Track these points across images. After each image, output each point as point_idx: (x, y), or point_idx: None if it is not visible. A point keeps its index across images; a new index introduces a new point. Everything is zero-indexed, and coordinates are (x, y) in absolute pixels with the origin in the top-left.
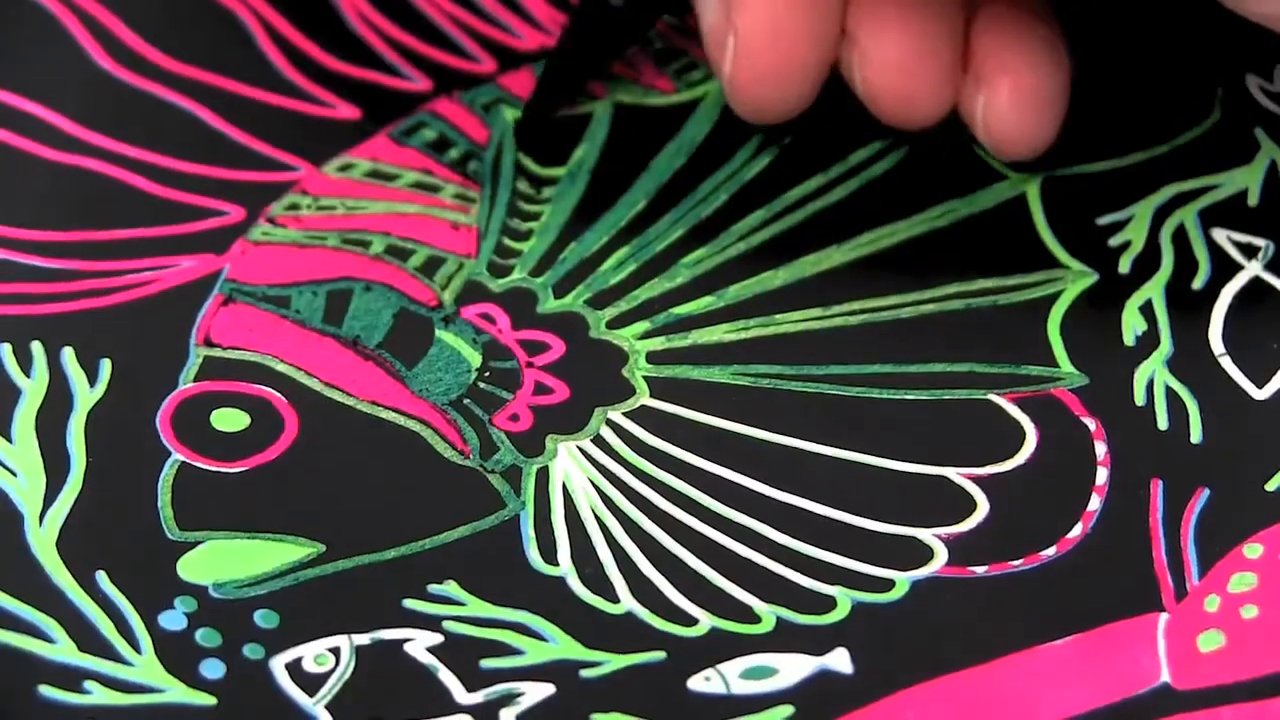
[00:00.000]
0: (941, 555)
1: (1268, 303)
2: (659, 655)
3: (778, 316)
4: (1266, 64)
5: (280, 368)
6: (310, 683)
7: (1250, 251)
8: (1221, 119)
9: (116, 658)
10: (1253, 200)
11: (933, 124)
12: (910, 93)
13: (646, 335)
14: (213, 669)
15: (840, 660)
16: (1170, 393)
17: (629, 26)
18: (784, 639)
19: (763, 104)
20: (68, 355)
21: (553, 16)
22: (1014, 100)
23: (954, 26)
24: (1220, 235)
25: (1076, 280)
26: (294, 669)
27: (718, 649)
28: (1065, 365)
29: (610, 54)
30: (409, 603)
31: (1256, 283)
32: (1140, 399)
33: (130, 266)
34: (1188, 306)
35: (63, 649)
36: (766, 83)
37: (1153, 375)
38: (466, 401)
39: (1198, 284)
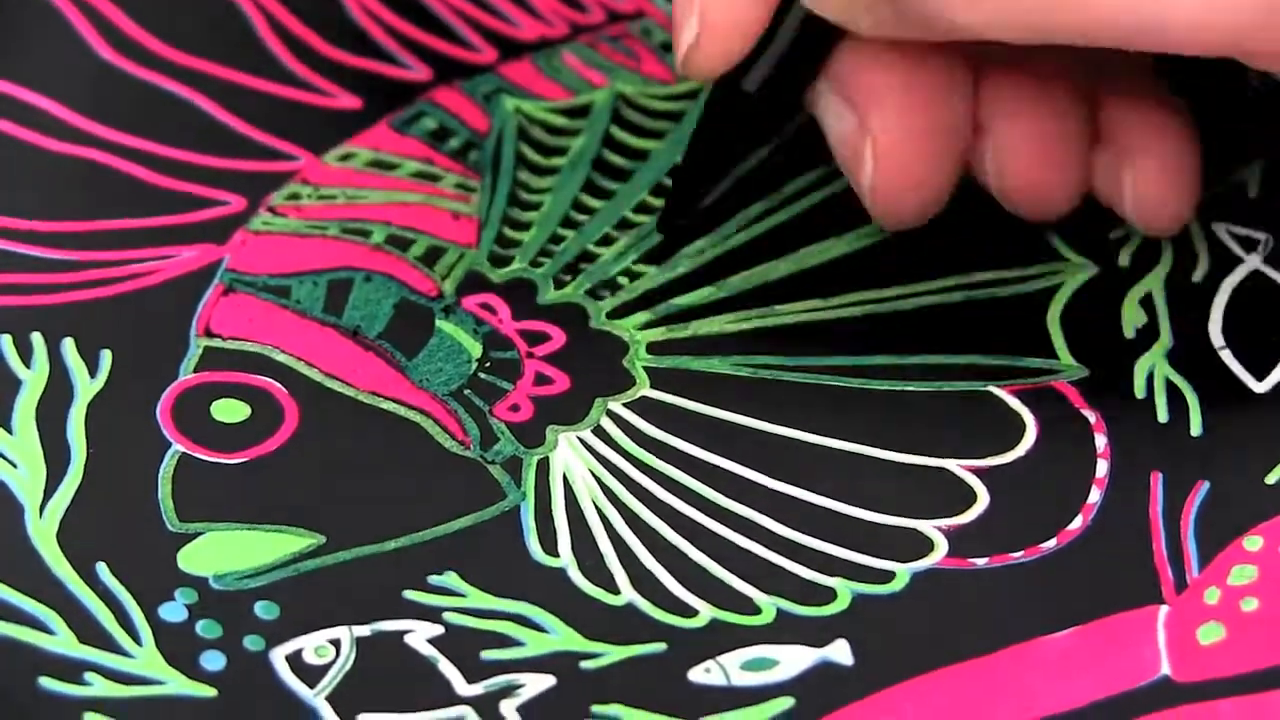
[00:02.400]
0: (942, 547)
1: (1267, 296)
2: (659, 646)
3: (778, 307)
4: None
5: (280, 358)
6: (311, 674)
7: (1250, 244)
8: (1221, 113)
9: (117, 649)
10: (1252, 193)
11: (1066, 212)
12: (1047, 181)
13: (647, 326)
14: (213, 660)
15: (841, 652)
16: (1170, 385)
17: (766, 113)
18: (784, 630)
19: (905, 209)
20: (68, 346)
21: (552, 6)
22: (1163, 175)
23: (1084, 109)
24: (1220, 229)
25: (1076, 273)
26: (294, 660)
27: (718, 640)
28: (1065, 358)
29: (749, 141)
30: (409, 594)
31: (1256, 276)
32: (1140, 391)
33: (131, 256)
34: (1187, 299)
35: (63, 640)
36: (909, 187)
37: (1153, 368)
38: (467, 392)
39: (1197, 277)
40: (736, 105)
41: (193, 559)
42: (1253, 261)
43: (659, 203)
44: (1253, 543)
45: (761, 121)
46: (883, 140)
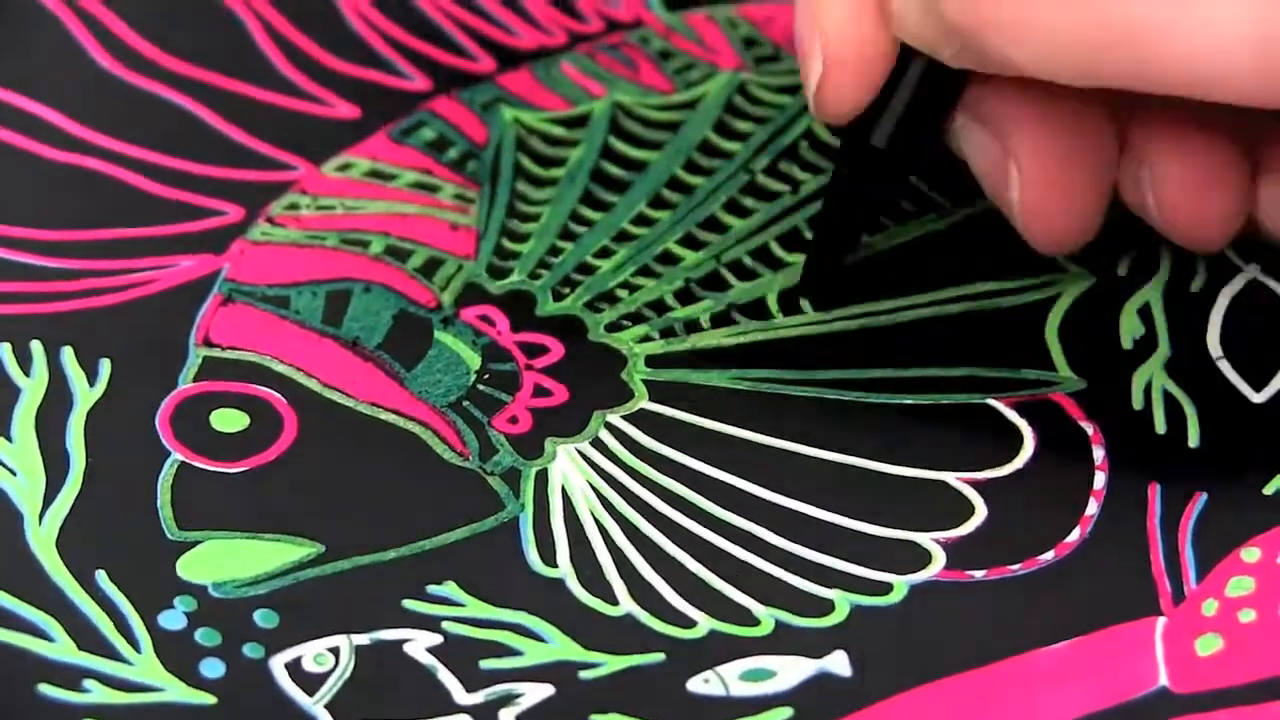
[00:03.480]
0: (940, 559)
1: (1265, 306)
2: (658, 657)
3: (776, 320)
4: None
5: (279, 368)
6: (310, 682)
7: (1248, 255)
8: None
9: (116, 656)
10: None
11: (1227, 242)
12: (1210, 210)
13: (645, 339)
14: (212, 668)
15: (839, 663)
16: (1168, 396)
17: (898, 164)
18: (783, 641)
19: (1056, 232)
20: (67, 355)
21: (551, 16)
22: None
23: (1241, 136)
24: None
25: (1074, 283)
26: (293, 668)
27: (717, 651)
28: (1063, 369)
29: (884, 193)
30: (408, 603)
31: (1254, 285)
32: (1138, 403)
33: (130, 266)
34: (1185, 310)
35: (62, 648)
36: (1058, 211)
37: (1150, 379)
38: (465, 403)
39: (1195, 287)
40: (868, 160)
41: (192, 567)
42: (1251, 271)
43: (658, 215)
44: (1250, 554)
45: (895, 172)
46: (1028, 163)
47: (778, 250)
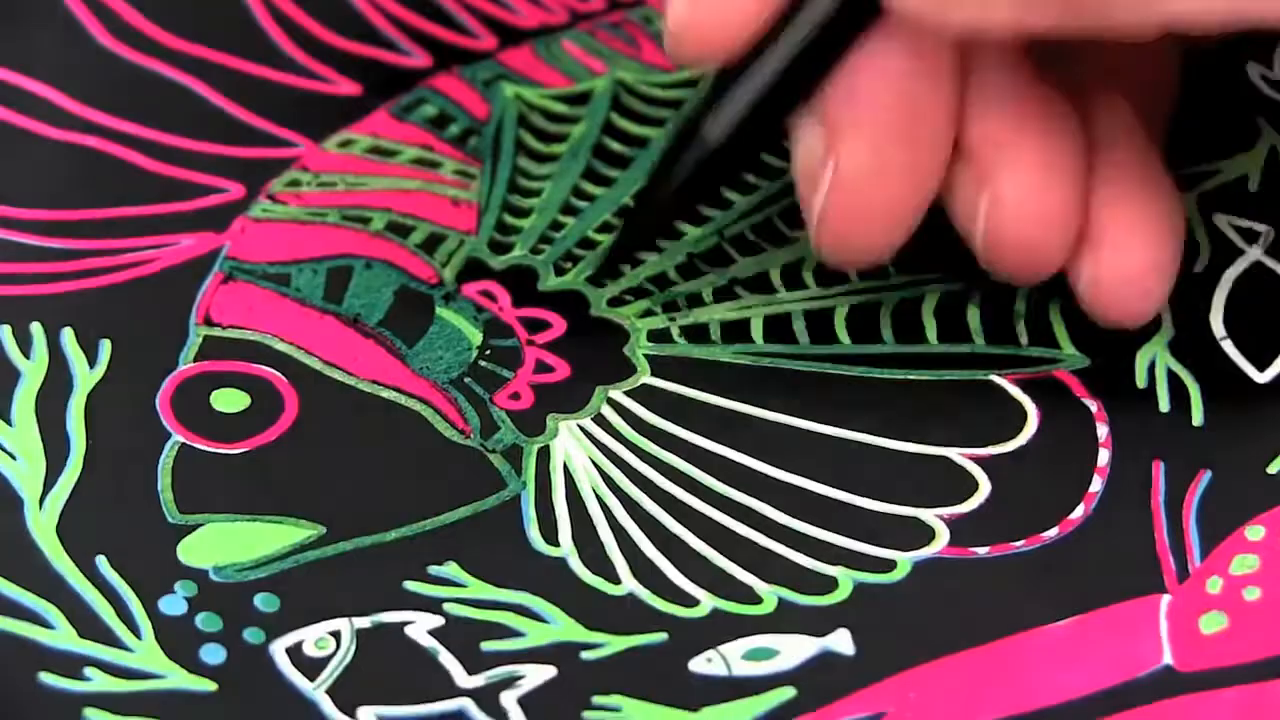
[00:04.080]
0: (943, 536)
1: (1269, 287)
2: (660, 636)
3: (779, 295)
4: (1267, 52)
5: (280, 346)
6: (311, 667)
7: (1251, 237)
8: (1223, 106)
9: (117, 644)
10: (1253, 186)
11: (1051, 274)
12: (1044, 242)
13: (647, 313)
14: (213, 654)
15: (842, 641)
16: (1172, 375)
17: (727, 163)
18: (785, 620)
19: (854, 247)
20: (67, 336)
21: None
22: (1124, 276)
23: (1083, 164)
24: (1221, 220)
25: None
26: (294, 653)
27: (719, 630)
28: (1067, 347)
29: (706, 192)
30: (410, 585)
31: (1257, 267)
32: (1142, 381)
33: (130, 245)
34: (1189, 290)
35: (63, 635)
36: (863, 222)
37: (1154, 358)
38: (467, 380)
39: (1199, 268)
40: (699, 154)
41: (193, 551)
42: (1254, 253)
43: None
44: (1255, 532)
45: (725, 168)
46: (846, 166)
47: (780, 225)
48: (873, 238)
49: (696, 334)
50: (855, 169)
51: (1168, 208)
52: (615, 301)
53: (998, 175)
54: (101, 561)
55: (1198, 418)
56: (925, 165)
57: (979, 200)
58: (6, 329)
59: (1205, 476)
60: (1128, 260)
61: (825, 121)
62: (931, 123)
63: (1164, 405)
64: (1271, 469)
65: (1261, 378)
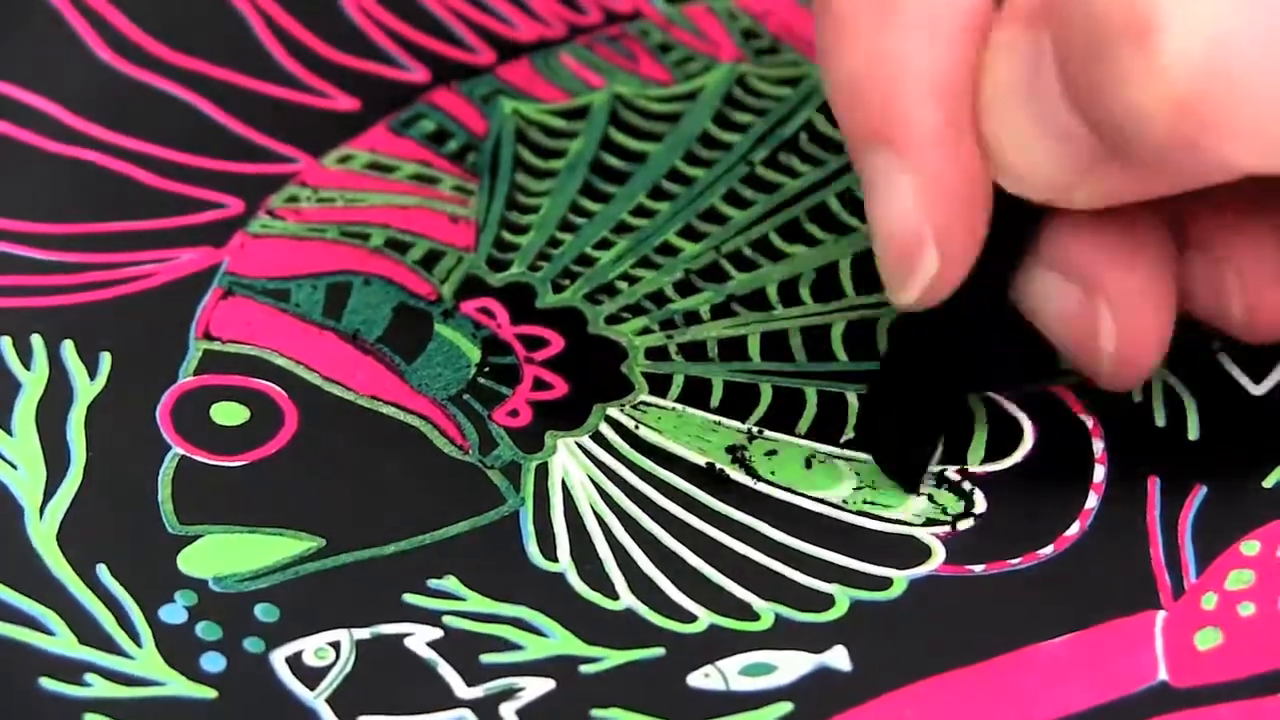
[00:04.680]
0: (939, 554)
1: None
2: (658, 651)
3: (776, 311)
4: None
5: (280, 361)
6: (311, 676)
7: None
8: None
9: (117, 650)
10: None
11: None
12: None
13: (645, 331)
14: (213, 662)
15: (839, 658)
16: (1167, 389)
17: (959, 335)
18: (783, 636)
19: (1149, 365)
20: (68, 348)
21: (550, 7)
22: None
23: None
24: None
25: None
26: (294, 662)
27: (717, 646)
28: (1063, 362)
29: (941, 382)
30: (409, 597)
31: None
32: (1137, 396)
33: (130, 259)
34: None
35: (63, 641)
36: (1154, 344)
37: (1150, 375)
38: (466, 397)
39: None
40: (931, 336)
41: (193, 561)
42: None
43: (657, 206)
44: (1250, 547)
45: (957, 343)
46: (1121, 304)
47: (777, 241)
48: (1161, 351)
49: (694, 351)
50: (1134, 301)
51: None
52: (613, 319)
53: (1237, 251)
54: (102, 570)
55: (1193, 432)
56: (1173, 269)
57: (1225, 278)
58: (7, 340)
59: (1201, 492)
60: None
61: (1063, 268)
62: (1161, 230)
63: (1160, 420)
64: (1267, 483)
65: (1258, 390)
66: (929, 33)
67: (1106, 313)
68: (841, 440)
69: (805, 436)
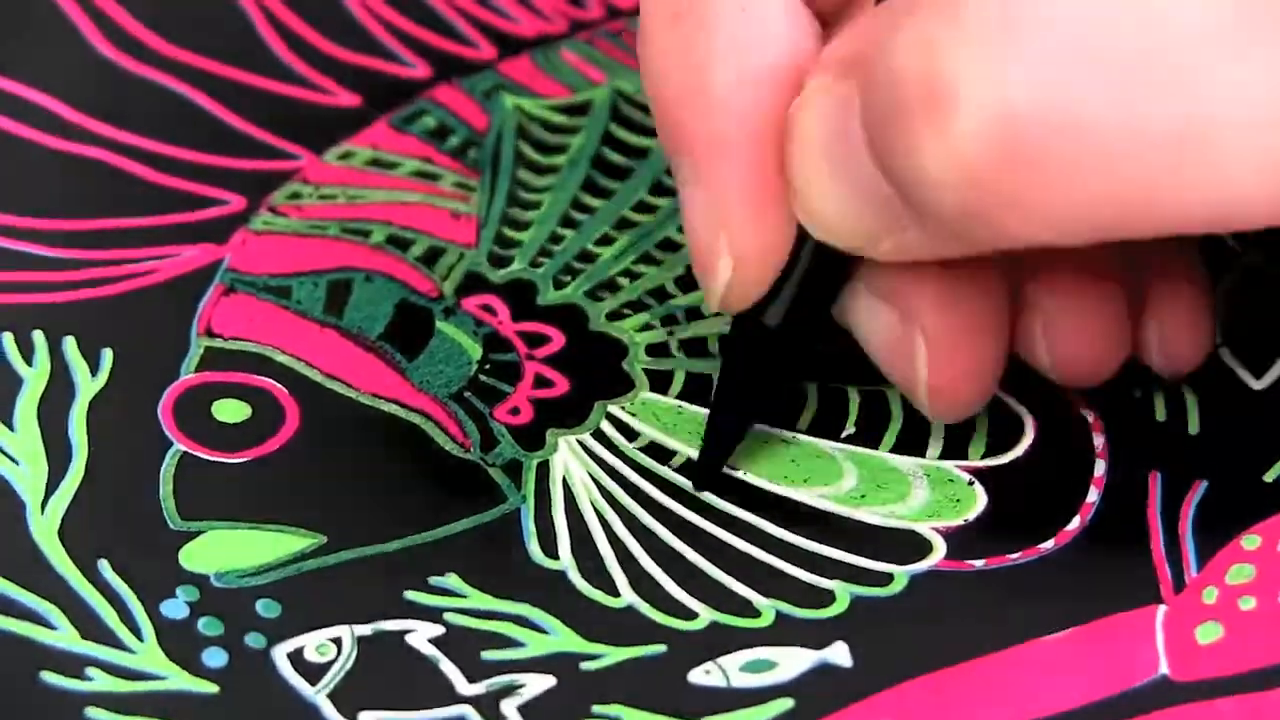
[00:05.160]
0: (940, 549)
1: (1265, 294)
2: (659, 648)
3: None
4: None
5: (281, 358)
6: (312, 672)
7: (1245, 243)
8: None
9: (118, 645)
10: None
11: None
12: (1097, 353)
13: (646, 327)
14: (215, 657)
15: (839, 654)
16: (1168, 384)
17: (793, 343)
18: (783, 632)
19: (964, 398)
20: (69, 344)
21: (552, 3)
22: (1184, 331)
23: (1129, 277)
24: None
25: None
26: (296, 658)
27: (718, 642)
28: None
29: (778, 376)
30: (410, 594)
31: (1252, 274)
32: (1138, 390)
33: (131, 256)
34: None
35: (65, 636)
36: (970, 374)
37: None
38: (467, 394)
39: None
40: (761, 342)
41: (194, 557)
42: (1250, 259)
43: (659, 202)
44: (1250, 541)
45: (789, 350)
46: (934, 329)
47: None
48: (982, 387)
49: (695, 348)
50: (947, 332)
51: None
52: (614, 316)
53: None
54: (103, 565)
55: (1194, 427)
56: (1004, 305)
57: (1033, 327)
58: (9, 336)
59: (1201, 486)
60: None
61: (884, 292)
62: (987, 271)
63: (1160, 414)
64: (1268, 477)
65: (1258, 385)
66: (728, 44)
67: (922, 344)
68: (843, 435)
69: (807, 432)
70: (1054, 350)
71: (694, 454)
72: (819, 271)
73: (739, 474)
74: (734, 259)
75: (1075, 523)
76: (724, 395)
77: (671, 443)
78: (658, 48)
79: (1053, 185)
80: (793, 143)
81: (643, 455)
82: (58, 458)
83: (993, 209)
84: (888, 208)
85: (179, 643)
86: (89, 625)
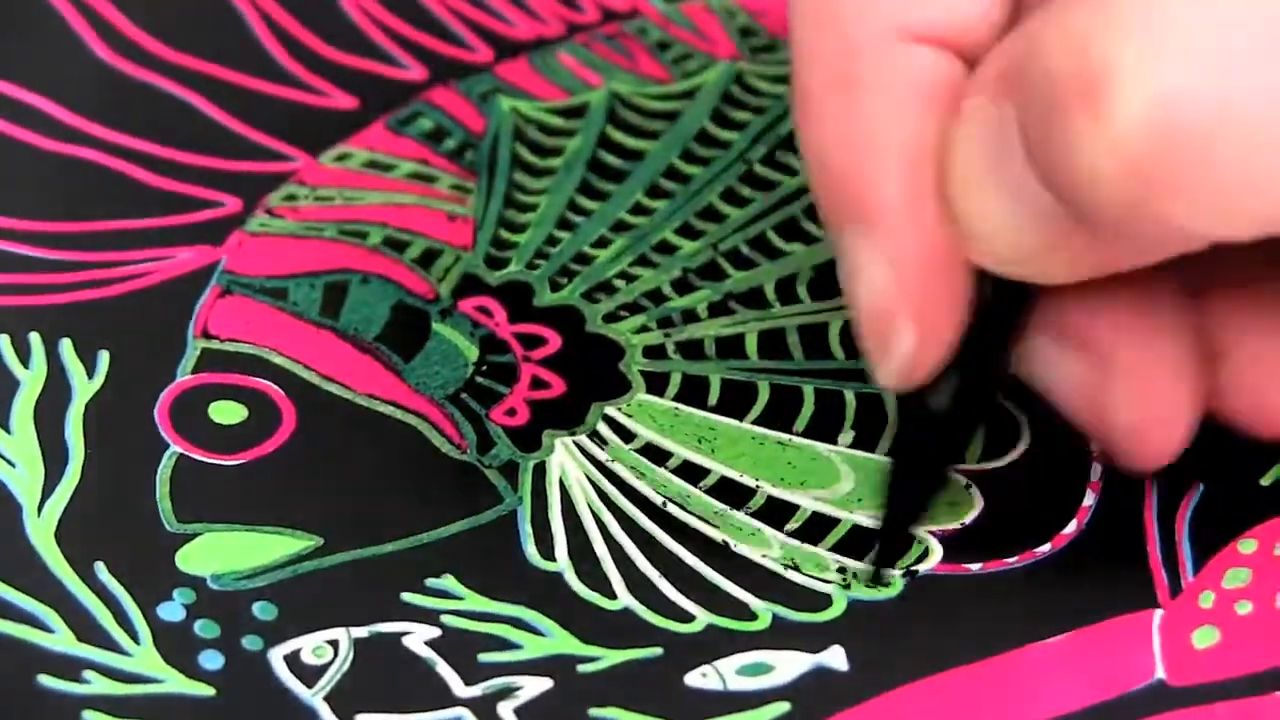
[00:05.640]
0: (937, 552)
1: None
2: (656, 651)
3: (774, 310)
4: None
5: (278, 360)
6: (309, 674)
7: None
8: None
9: (115, 648)
10: None
11: None
12: None
13: (643, 329)
14: (211, 660)
15: (836, 657)
16: None
17: (962, 421)
18: (780, 636)
19: (1166, 444)
20: (66, 346)
21: (548, 6)
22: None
23: None
24: None
25: None
26: (292, 660)
27: (714, 645)
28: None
29: (946, 458)
30: (407, 596)
31: None
32: None
33: (128, 258)
34: None
35: (61, 639)
36: (1170, 418)
37: None
38: (464, 396)
39: None
40: (929, 425)
41: (191, 559)
42: None
43: (655, 204)
44: (1247, 545)
45: (961, 425)
46: (1127, 367)
47: (775, 239)
48: (1180, 428)
49: (691, 350)
50: (1144, 378)
51: None
52: (610, 317)
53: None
54: (100, 568)
55: None
56: (1194, 346)
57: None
58: (5, 339)
59: (1198, 490)
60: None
61: (1072, 340)
62: (1178, 297)
63: None
64: (1264, 481)
65: None
66: (892, 106)
67: (1120, 385)
68: (840, 441)
69: (804, 434)
70: (1238, 393)
71: (689, 455)
72: (993, 331)
73: (736, 476)
74: (916, 327)
75: (1071, 526)
76: (900, 486)
77: (667, 444)
78: (820, 116)
79: (1215, 170)
80: (952, 165)
81: (639, 456)
82: (54, 460)
83: (1156, 199)
84: (1052, 219)
85: (176, 645)
86: (85, 628)
